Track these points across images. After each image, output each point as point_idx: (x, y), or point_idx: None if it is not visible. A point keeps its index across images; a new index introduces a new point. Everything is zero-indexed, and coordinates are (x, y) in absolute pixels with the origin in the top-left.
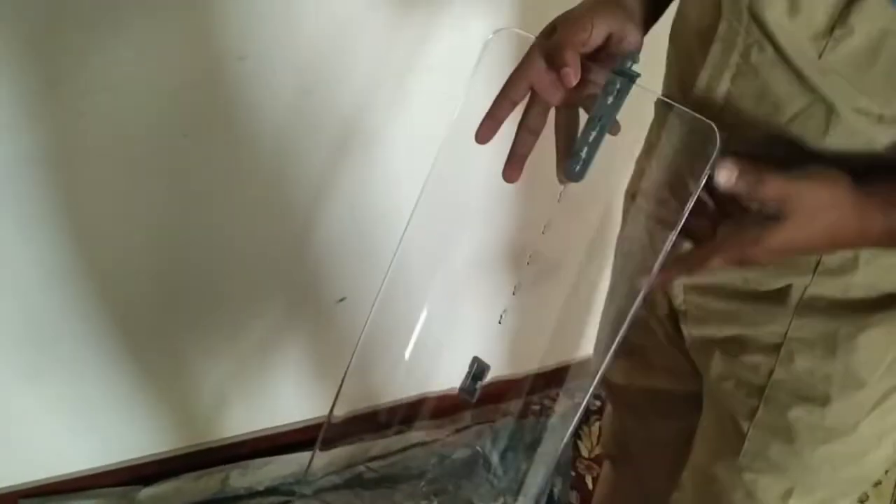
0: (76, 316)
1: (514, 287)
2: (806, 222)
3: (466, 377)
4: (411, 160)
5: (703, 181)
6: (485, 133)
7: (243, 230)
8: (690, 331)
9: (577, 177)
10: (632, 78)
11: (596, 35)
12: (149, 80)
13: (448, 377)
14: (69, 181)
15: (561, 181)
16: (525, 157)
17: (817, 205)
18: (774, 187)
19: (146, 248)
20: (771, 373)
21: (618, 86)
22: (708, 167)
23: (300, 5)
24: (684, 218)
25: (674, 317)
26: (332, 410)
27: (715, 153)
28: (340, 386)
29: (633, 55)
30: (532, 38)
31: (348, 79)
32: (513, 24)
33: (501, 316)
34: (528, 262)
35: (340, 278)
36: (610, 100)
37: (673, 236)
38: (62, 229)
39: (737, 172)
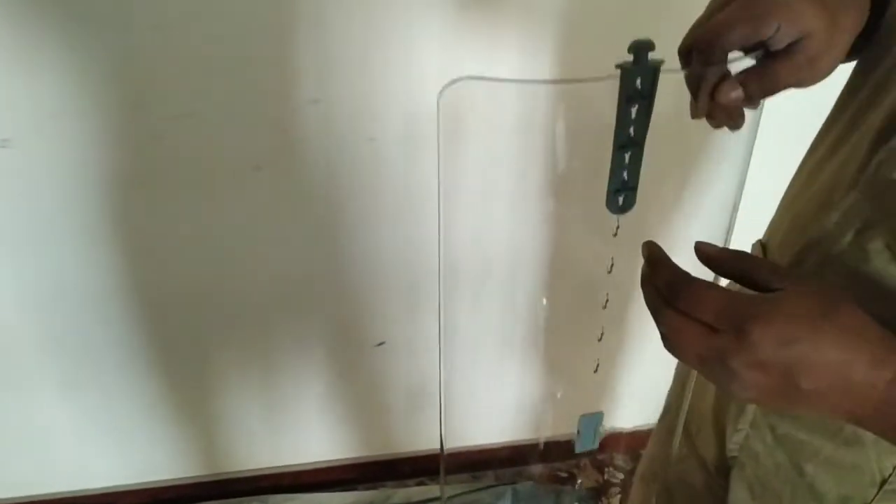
0: (119, 335)
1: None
2: (813, 306)
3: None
4: (469, 216)
5: None
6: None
7: (293, 266)
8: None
9: (625, 208)
10: (650, 69)
11: (782, 36)
12: (228, 113)
13: (474, 432)
14: (133, 202)
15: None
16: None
17: (830, 298)
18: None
19: (195, 274)
20: None
21: (637, 85)
22: None
23: (374, 58)
24: None
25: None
26: None
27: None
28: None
29: (645, 43)
30: (487, 80)
31: (413, 132)
32: None
33: (601, 333)
34: (604, 306)
35: (383, 323)
36: (634, 110)
37: None
38: (117, 248)
39: None
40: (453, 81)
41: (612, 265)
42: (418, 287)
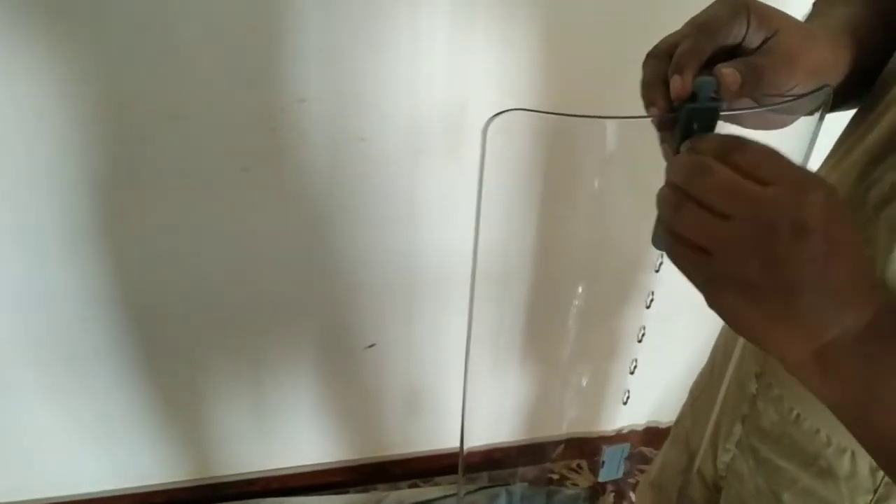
0: (107, 339)
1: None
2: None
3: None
4: (454, 219)
5: None
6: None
7: (282, 268)
8: None
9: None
10: (709, 112)
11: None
12: (215, 113)
13: (469, 434)
14: (120, 204)
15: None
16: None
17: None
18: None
19: (183, 277)
20: None
21: (693, 125)
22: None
23: (361, 56)
24: None
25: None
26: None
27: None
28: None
29: (707, 82)
30: (535, 112)
31: (404, 131)
32: None
33: (634, 364)
34: (639, 340)
35: (374, 325)
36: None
37: None
38: (104, 251)
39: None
40: (500, 113)
41: (651, 299)
42: (409, 289)
